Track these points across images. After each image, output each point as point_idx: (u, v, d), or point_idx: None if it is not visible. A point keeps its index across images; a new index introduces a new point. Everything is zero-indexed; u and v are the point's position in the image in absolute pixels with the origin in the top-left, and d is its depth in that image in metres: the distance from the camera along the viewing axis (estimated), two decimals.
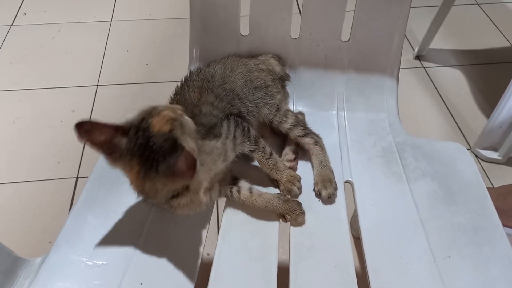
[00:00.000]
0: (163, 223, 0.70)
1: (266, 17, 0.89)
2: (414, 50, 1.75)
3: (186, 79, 0.80)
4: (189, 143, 0.56)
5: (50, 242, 0.68)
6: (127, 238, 0.67)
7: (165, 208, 0.65)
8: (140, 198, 0.69)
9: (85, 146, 1.38)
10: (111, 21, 1.92)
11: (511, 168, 1.35)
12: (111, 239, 0.67)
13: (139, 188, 0.57)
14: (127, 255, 0.65)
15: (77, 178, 1.31)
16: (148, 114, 0.57)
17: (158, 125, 0.55)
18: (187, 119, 0.59)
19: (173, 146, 0.54)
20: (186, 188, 0.59)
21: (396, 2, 0.85)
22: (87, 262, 0.64)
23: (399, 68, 0.92)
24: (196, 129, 0.61)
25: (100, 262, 0.64)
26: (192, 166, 0.51)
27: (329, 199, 0.73)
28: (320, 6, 0.87)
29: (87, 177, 1.27)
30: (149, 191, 0.56)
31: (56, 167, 1.34)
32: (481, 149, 1.38)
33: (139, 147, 0.55)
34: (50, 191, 1.28)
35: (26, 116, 1.50)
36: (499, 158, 1.35)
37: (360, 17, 0.87)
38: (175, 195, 0.60)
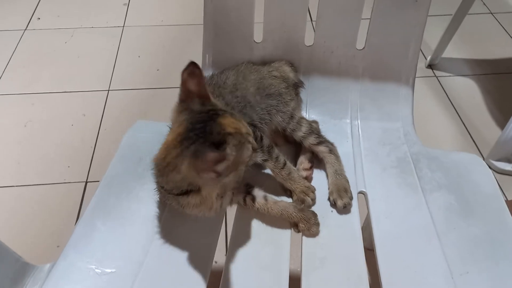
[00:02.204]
0: (173, 230, 0.69)
1: (280, 24, 0.88)
2: (426, 58, 1.73)
3: None
4: (230, 156, 0.54)
5: (58, 246, 0.67)
6: (136, 246, 0.66)
7: (174, 205, 0.65)
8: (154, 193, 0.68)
9: (95, 150, 1.40)
10: (123, 26, 1.93)
11: None
12: (120, 246, 0.66)
13: (166, 152, 0.56)
14: (136, 263, 0.64)
15: (86, 182, 1.31)
16: (231, 113, 0.58)
17: (226, 122, 0.56)
18: (249, 149, 0.58)
19: (219, 144, 0.54)
20: (198, 189, 0.58)
21: (412, 10, 0.84)
22: (96, 270, 0.63)
23: (414, 77, 0.90)
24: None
25: (109, 270, 0.63)
26: (218, 162, 0.50)
27: (345, 209, 0.72)
28: (335, 14, 0.86)
29: (96, 181, 1.28)
30: (169, 163, 0.56)
31: (66, 170, 1.34)
32: (495, 160, 1.36)
33: (198, 120, 0.56)
34: (59, 195, 1.28)
35: (38, 119, 1.51)
36: None
37: (375, 25, 0.86)
38: (186, 192, 0.59)
